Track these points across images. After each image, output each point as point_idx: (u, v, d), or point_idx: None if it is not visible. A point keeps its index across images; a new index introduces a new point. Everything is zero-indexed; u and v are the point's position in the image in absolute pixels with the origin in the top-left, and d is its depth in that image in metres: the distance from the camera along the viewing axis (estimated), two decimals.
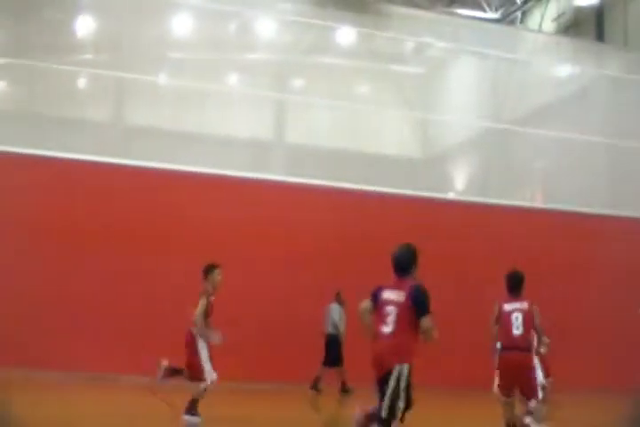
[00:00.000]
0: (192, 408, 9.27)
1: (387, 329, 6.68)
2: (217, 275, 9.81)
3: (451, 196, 19.43)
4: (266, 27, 18.81)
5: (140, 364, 11.18)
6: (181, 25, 18.38)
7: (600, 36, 27.18)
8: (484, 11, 29.67)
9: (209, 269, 9.79)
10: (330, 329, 15.64)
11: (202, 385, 9.32)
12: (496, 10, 30.14)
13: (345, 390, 15.36)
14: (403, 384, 6.51)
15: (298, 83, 19.70)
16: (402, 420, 6.54)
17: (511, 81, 19.96)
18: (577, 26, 28.47)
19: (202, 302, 9.50)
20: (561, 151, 20.05)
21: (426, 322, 6.56)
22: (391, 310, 6.69)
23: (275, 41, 18.76)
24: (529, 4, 30.07)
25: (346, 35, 19.35)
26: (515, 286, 9.10)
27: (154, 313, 15.19)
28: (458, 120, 20.27)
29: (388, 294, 6.78)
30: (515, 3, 30.18)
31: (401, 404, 6.49)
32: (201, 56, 17.90)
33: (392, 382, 6.49)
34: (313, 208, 17.26)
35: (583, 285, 17.78)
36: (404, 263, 6.90)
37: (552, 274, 17.33)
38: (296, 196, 17.32)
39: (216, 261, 9.85)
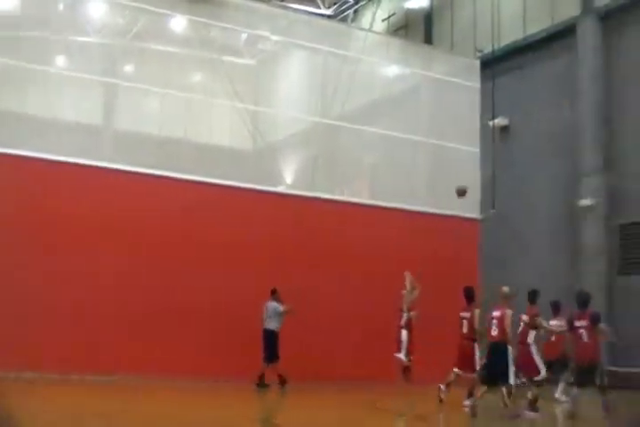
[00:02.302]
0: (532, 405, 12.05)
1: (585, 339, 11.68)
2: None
3: (280, 189, 19.60)
4: (97, 8, 18.29)
5: None
6: (6, 0, 17.56)
7: (428, 38, 28.30)
8: (318, 7, 30.23)
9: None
10: (268, 325, 16.06)
11: (537, 378, 12.60)
12: (329, 7, 30.77)
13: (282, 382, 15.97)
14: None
15: (128, 68, 19.26)
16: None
17: (341, 78, 20.32)
18: (406, 27, 29.52)
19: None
20: (387, 148, 20.65)
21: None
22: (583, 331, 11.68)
23: (106, 24, 18.29)
24: (361, 3, 30.87)
25: (179, 22, 19.15)
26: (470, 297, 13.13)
27: None
28: (287, 114, 20.51)
29: (579, 322, 11.78)
30: (347, 1, 30.90)
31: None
32: (26, 34, 17.14)
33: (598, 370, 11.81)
34: (140, 196, 16.99)
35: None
36: (586, 302, 12.00)
37: (381, 270, 17.97)
38: (123, 183, 16.97)
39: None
